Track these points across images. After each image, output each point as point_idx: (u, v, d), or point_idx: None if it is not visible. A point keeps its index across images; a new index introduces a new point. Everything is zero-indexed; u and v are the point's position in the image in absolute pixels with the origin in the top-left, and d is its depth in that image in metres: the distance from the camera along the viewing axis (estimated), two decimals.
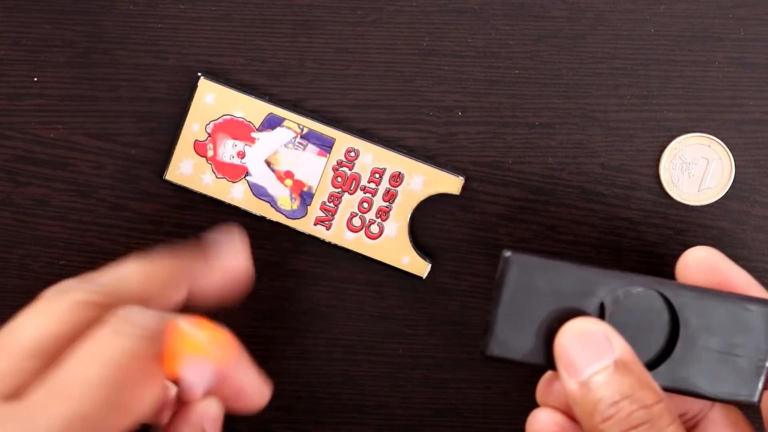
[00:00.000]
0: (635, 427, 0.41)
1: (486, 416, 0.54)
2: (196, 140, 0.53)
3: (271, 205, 0.53)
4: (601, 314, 0.44)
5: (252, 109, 0.53)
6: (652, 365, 0.44)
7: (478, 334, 0.54)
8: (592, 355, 0.42)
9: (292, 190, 0.53)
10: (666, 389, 0.44)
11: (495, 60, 0.53)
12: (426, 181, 0.53)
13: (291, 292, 0.54)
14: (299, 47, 0.53)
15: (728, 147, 0.53)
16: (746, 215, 0.54)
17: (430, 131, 0.53)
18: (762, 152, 0.53)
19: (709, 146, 0.53)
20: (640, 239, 0.54)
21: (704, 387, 0.45)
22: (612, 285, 0.44)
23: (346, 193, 0.53)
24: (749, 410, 0.49)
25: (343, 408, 0.54)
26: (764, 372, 0.44)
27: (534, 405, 0.54)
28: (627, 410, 0.41)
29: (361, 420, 0.54)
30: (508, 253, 0.44)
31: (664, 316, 0.45)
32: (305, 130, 0.53)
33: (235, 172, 0.53)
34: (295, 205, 0.53)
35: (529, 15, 0.53)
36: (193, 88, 0.53)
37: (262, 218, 0.53)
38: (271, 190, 0.53)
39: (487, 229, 0.54)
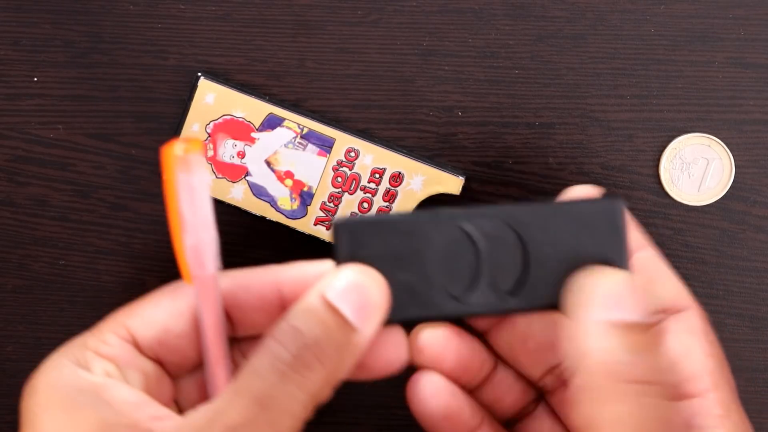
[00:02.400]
0: None
1: None
2: None
3: (271, 205, 0.53)
4: (476, 250, 0.43)
5: (252, 109, 0.53)
6: (513, 293, 0.43)
7: (478, 334, 0.54)
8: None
9: (292, 190, 0.53)
10: (530, 311, 0.44)
11: (495, 60, 0.53)
12: (426, 181, 0.53)
13: None
14: (299, 47, 0.53)
15: (728, 147, 0.53)
16: (746, 215, 0.54)
17: (430, 131, 0.53)
18: (762, 152, 0.53)
19: (709, 146, 0.53)
20: None
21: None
22: (447, 224, 0.43)
23: (346, 193, 0.53)
24: None
25: (343, 408, 0.54)
26: (626, 266, 0.43)
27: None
28: None
29: (361, 420, 0.54)
30: (336, 220, 0.43)
31: (514, 240, 0.44)
32: (305, 130, 0.53)
33: (235, 172, 0.53)
34: (295, 205, 0.53)
35: (529, 15, 0.53)
36: (193, 88, 0.53)
37: (262, 218, 0.53)
38: (271, 190, 0.53)
39: None
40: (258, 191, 0.53)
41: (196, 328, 0.44)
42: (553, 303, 0.43)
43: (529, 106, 0.53)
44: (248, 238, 0.54)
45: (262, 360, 0.41)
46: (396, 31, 0.53)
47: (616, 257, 0.43)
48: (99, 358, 0.43)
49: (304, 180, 0.53)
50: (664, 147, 0.53)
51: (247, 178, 0.53)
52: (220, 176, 0.53)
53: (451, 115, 0.53)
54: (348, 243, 0.43)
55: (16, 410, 0.44)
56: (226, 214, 0.53)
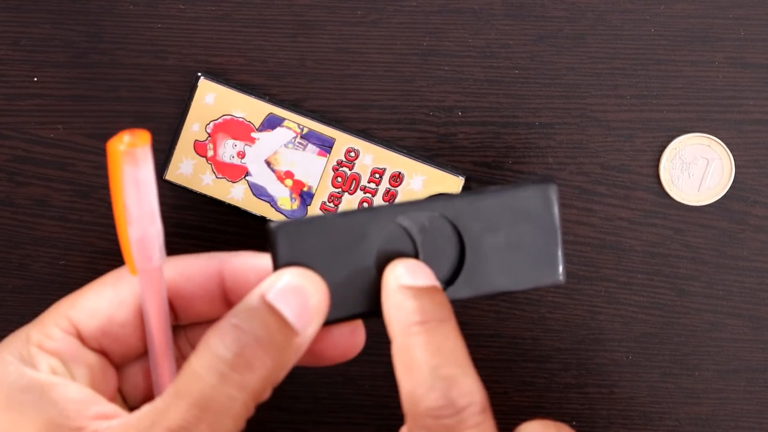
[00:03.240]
0: None
1: None
2: (196, 140, 0.53)
3: (271, 205, 0.53)
4: (412, 243, 0.44)
5: (252, 109, 0.53)
6: (450, 282, 0.44)
7: (478, 334, 0.54)
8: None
9: (292, 190, 0.53)
10: (470, 299, 0.44)
11: (495, 60, 0.53)
12: (426, 181, 0.53)
13: None
14: (299, 47, 0.53)
15: (728, 147, 0.53)
16: (746, 215, 0.54)
17: (430, 131, 0.53)
18: (762, 152, 0.53)
19: (709, 146, 0.53)
20: (640, 239, 0.54)
21: (506, 284, 0.44)
22: (383, 219, 0.44)
23: (346, 193, 0.53)
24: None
25: (343, 408, 0.54)
26: (560, 248, 0.45)
27: (534, 405, 0.54)
28: None
29: (361, 420, 0.54)
30: (271, 224, 0.43)
31: (449, 231, 0.44)
32: (305, 130, 0.53)
33: (235, 172, 0.53)
34: (295, 205, 0.53)
35: (529, 15, 0.53)
36: (193, 88, 0.53)
37: (262, 218, 0.53)
38: (271, 190, 0.53)
39: None
40: (258, 191, 0.53)
41: (140, 316, 0.44)
42: (489, 290, 0.44)
43: (529, 106, 0.53)
44: (248, 238, 0.54)
45: (202, 359, 0.41)
46: (396, 31, 0.53)
47: (549, 242, 0.44)
48: (44, 354, 0.43)
49: (304, 180, 0.53)
50: (664, 147, 0.53)
51: (247, 178, 0.53)
52: (220, 176, 0.53)
53: (451, 115, 0.53)
54: (286, 246, 0.43)
55: None
56: (226, 214, 0.53)
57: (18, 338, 0.44)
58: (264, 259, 0.45)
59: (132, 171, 0.41)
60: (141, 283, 0.43)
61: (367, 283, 0.44)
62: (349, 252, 0.44)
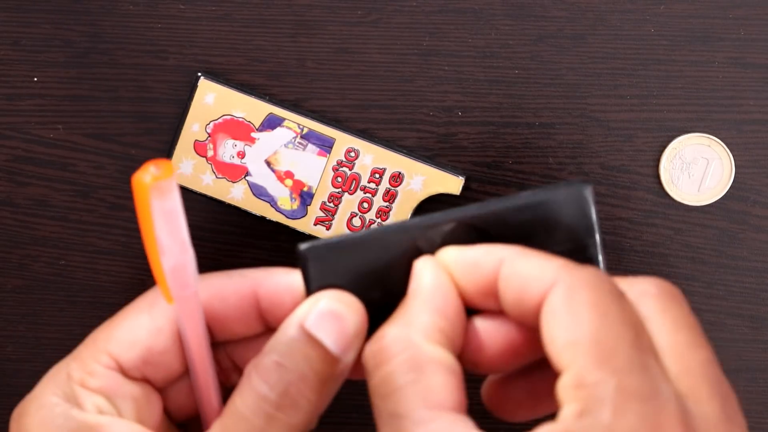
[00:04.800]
0: None
1: (486, 416, 0.54)
2: (196, 140, 0.53)
3: (271, 205, 0.53)
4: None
5: (252, 109, 0.53)
6: None
7: None
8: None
9: (292, 190, 0.53)
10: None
11: (495, 60, 0.53)
12: (426, 181, 0.53)
13: None
14: (299, 47, 0.53)
15: (728, 147, 0.53)
16: (746, 215, 0.54)
17: (430, 131, 0.53)
18: (762, 152, 0.53)
19: (709, 146, 0.53)
20: (640, 239, 0.54)
21: None
22: (414, 234, 0.42)
23: (346, 193, 0.53)
24: None
25: (343, 408, 0.54)
26: (600, 252, 0.43)
27: None
28: None
29: (361, 420, 0.54)
30: (302, 247, 0.42)
31: (483, 241, 0.42)
32: (305, 130, 0.53)
33: (235, 172, 0.53)
34: (295, 205, 0.53)
35: (529, 15, 0.53)
36: (193, 88, 0.53)
37: (262, 218, 0.53)
38: (271, 190, 0.53)
39: None
40: (258, 191, 0.53)
41: (178, 341, 0.44)
42: None
43: (529, 106, 0.53)
44: (248, 238, 0.54)
45: (247, 399, 0.41)
46: (396, 31, 0.53)
47: (587, 246, 0.42)
48: (88, 392, 0.42)
49: (304, 180, 0.53)
50: (664, 147, 0.53)
51: (247, 178, 0.53)
52: (220, 176, 0.53)
53: (451, 115, 0.53)
54: (318, 268, 0.42)
55: None
56: (226, 214, 0.53)
57: (59, 376, 0.43)
58: (298, 277, 0.44)
59: (160, 204, 0.40)
60: (178, 310, 0.43)
61: (400, 300, 0.42)
62: (381, 271, 0.42)
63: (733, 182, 0.53)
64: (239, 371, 0.45)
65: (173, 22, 0.53)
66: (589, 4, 0.53)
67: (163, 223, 0.41)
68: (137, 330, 0.44)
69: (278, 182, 0.53)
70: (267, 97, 0.53)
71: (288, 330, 0.42)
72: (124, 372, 0.43)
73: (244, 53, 0.53)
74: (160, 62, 0.53)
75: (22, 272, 0.54)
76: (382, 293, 0.42)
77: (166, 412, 0.45)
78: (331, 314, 0.42)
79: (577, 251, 0.42)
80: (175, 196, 0.41)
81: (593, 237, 0.43)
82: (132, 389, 0.43)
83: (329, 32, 0.53)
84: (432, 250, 0.42)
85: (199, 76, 0.53)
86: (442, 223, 0.43)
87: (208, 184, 0.53)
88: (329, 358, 0.41)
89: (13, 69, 0.53)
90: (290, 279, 0.44)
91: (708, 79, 0.53)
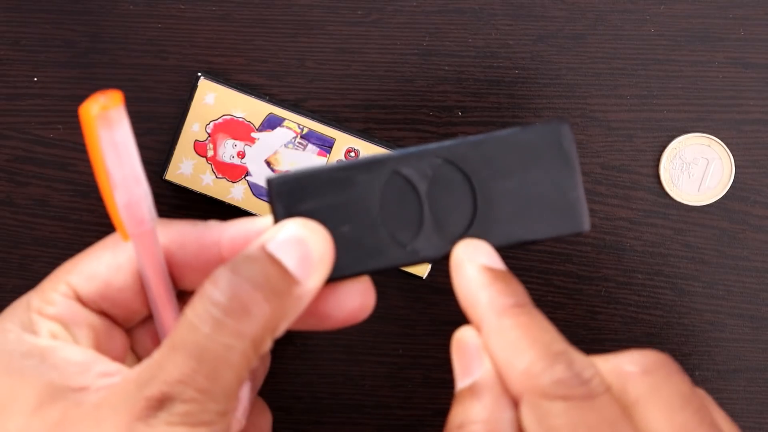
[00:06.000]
0: None
1: None
2: (196, 140, 0.53)
3: None
4: (416, 194, 0.42)
5: (252, 109, 0.53)
6: (464, 233, 0.42)
7: None
8: (462, 369, 0.41)
9: None
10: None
11: (495, 60, 0.53)
12: None
13: None
14: (299, 47, 0.53)
15: (728, 147, 0.53)
16: (746, 215, 0.54)
17: (430, 131, 0.53)
18: (762, 152, 0.53)
19: (709, 146, 0.53)
20: (640, 239, 0.54)
21: (523, 234, 0.42)
22: (387, 167, 0.42)
23: None
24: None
25: (343, 408, 0.54)
26: (580, 192, 0.42)
27: None
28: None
29: (361, 420, 0.54)
30: (270, 177, 0.41)
31: (458, 178, 0.42)
32: (305, 130, 0.53)
33: (235, 172, 0.53)
34: None
35: (529, 15, 0.53)
36: (193, 88, 0.53)
37: None
38: None
39: None
40: (258, 191, 0.53)
41: (139, 281, 0.43)
42: (505, 241, 0.42)
43: (529, 106, 0.53)
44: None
45: (196, 308, 0.40)
46: (396, 31, 0.53)
47: (569, 185, 0.42)
48: (44, 319, 0.43)
49: None
50: (664, 147, 0.53)
51: (247, 178, 0.53)
52: (220, 176, 0.53)
53: (451, 115, 0.53)
54: (285, 198, 0.41)
55: None
56: (226, 214, 0.53)
57: (19, 306, 0.43)
58: (261, 222, 0.43)
59: (108, 134, 0.40)
60: (135, 248, 0.42)
61: (373, 238, 0.42)
62: (352, 205, 0.42)
63: (733, 182, 0.53)
64: None
65: (173, 22, 0.53)
66: (589, 4, 0.53)
67: (114, 156, 0.40)
68: (98, 264, 0.43)
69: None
70: (267, 97, 0.53)
71: (249, 249, 0.41)
72: (82, 302, 0.43)
73: (244, 53, 0.53)
74: (160, 62, 0.53)
75: (22, 272, 0.54)
76: (352, 228, 0.42)
77: (136, 354, 0.45)
78: (295, 238, 0.41)
79: (559, 193, 0.42)
80: (124, 126, 0.40)
81: (575, 178, 0.42)
82: (90, 319, 0.43)
83: (329, 32, 0.53)
84: (402, 185, 0.42)
85: (199, 76, 0.53)
86: (416, 156, 0.42)
87: (208, 184, 0.53)
88: (288, 278, 0.40)
89: (13, 69, 0.53)
90: (255, 225, 0.43)
91: (708, 79, 0.53)
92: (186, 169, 0.53)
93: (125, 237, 0.42)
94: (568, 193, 0.42)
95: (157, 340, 0.45)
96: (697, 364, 0.54)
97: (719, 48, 0.53)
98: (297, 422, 0.54)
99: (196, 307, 0.40)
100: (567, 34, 0.53)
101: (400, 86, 0.53)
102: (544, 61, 0.53)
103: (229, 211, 0.53)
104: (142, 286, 0.44)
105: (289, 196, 0.42)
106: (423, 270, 0.53)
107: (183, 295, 0.45)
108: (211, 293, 0.40)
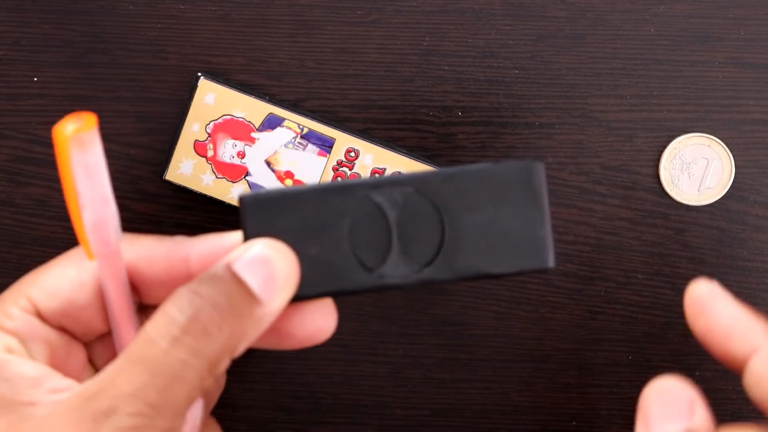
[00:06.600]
0: None
1: (486, 416, 0.54)
2: (196, 140, 0.53)
3: None
4: (386, 221, 0.43)
5: (252, 109, 0.53)
6: (430, 262, 0.42)
7: (479, 334, 0.54)
8: (667, 416, 0.40)
9: None
10: (450, 281, 0.43)
11: (495, 60, 0.53)
12: None
13: None
14: (299, 47, 0.53)
15: (728, 147, 0.53)
16: (746, 215, 0.54)
17: (430, 131, 0.53)
18: (762, 152, 0.53)
19: (709, 146, 0.53)
20: (640, 239, 0.54)
21: (488, 267, 0.42)
22: (359, 193, 0.42)
23: None
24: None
25: (343, 408, 0.54)
26: (548, 230, 0.42)
27: (534, 405, 0.54)
28: None
29: (361, 420, 0.54)
30: (242, 195, 0.42)
31: (428, 208, 0.43)
32: (305, 130, 0.53)
33: (235, 172, 0.53)
34: None
35: (529, 15, 0.53)
36: (193, 88, 0.53)
37: None
38: None
39: None
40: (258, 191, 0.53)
41: (101, 298, 0.43)
42: (470, 273, 0.42)
43: (529, 106, 0.53)
44: None
45: (155, 324, 0.40)
46: (396, 31, 0.53)
47: (536, 222, 0.42)
48: (2, 333, 0.43)
49: (304, 180, 0.53)
50: (664, 147, 0.53)
51: (247, 178, 0.53)
52: (220, 176, 0.53)
53: (451, 115, 0.53)
54: (256, 217, 0.42)
55: None
56: (226, 214, 0.53)
57: None
58: (230, 238, 0.44)
59: (81, 156, 0.40)
60: (99, 267, 0.42)
61: (340, 261, 0.42)
62: (321, 227, 0.42)
63: (733, 182, 0.53)
64: None
65: (173, 22, 0.53)
66: (589, 4, 0.53)
67: (84, 177, 0.40)
68: (61, 281, 0.43)
69: (278, 182, 0.53)
70: (267, 97, 0.53)
71: (214, 268, 0.41)
72: (42, 318, 0.43)
73: (244, 53, 0.53)
74: (160, 62, 0.53)
75: (22, 272, 0.54)
76: (320, 250, 0.42)
77: (94, 366, 0.45)
78: (260, 259, 0.41)
79: (526, 230, 0.42)
80: (96, 149, 0.40)
81: (542, 217, 0.43)
82: (48, 334, 0.43)
83: (329, 32, 0.53)
84: (373, 211, 0.42)
85: (199, 76, 0.53)
86: (389, 184, 0.43)
87: (208, 184, 0.53)
88: (250, 299, 0.41)
89: (13, 69, 0.53)
90: (225, 241, 0.44)
91: (708, 79, 0.53)
92: (186, 169, 0.53)
93: (90, 256, 0.42)
94: (535, 230, 0.43)
95: (116, 354, 0.45)
96: (697, 364, 0.54)
97: (719, 48, 0.53)
98: (297, 422, 0.54)
99: (154, 322, 0.40)
100: (567, 34, 0.53)
101: (400, 86, 0.53)
102: (544, 61, 0.53)
103: (229, 211, 0.53)
104: (104, 303, 0.44)
105: (260, 214, 0.42)
106: None
107: (147, 309, 0.45)
108: (171, 312, 0.40)
